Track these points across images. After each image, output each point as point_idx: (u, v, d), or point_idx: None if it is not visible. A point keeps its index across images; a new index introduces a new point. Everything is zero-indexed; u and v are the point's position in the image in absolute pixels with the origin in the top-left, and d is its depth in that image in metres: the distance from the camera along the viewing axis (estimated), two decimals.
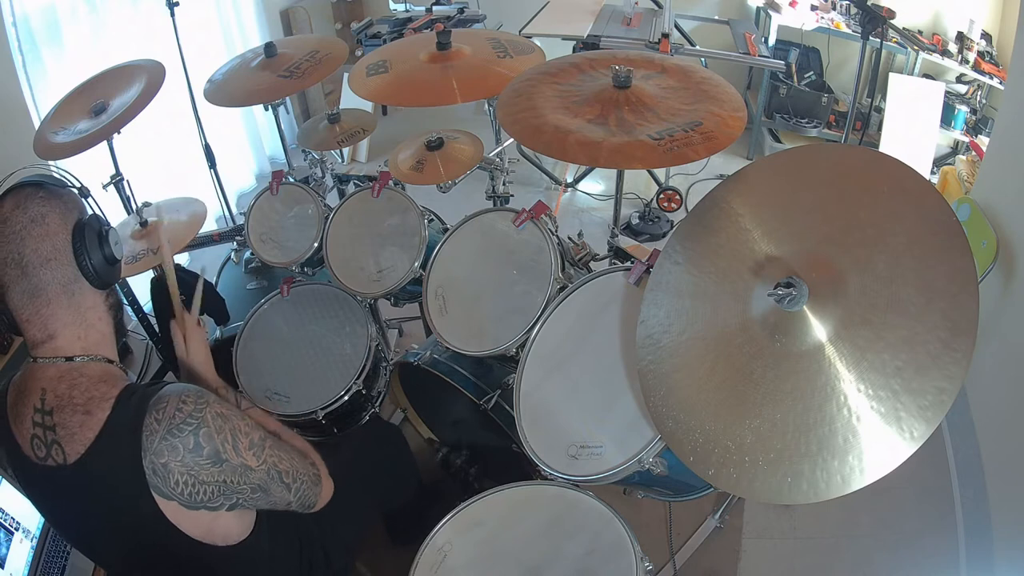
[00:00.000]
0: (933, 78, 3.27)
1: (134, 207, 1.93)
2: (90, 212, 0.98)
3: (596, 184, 3.46)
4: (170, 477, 0.86)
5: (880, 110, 3.29)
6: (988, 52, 3.19)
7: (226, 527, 0.99)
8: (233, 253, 2.55)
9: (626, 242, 1.63)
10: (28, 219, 0.88)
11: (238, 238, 2.42)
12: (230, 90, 1.96)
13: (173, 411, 0.87)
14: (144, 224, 1.81)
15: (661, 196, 3.17)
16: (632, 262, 1.35)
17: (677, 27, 3.19)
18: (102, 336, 0.95)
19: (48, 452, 0.87)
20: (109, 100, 1.78)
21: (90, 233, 0.92)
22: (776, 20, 3.34)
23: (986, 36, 3.24)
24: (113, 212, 1.95)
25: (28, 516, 1.39)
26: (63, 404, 0.87)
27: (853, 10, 3.32)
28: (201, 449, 0.88)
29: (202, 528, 0.94)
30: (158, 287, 2.10)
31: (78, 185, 1.00)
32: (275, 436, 1.04)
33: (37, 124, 2.01)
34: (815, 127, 3.46)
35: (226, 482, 0.91)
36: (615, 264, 1.56)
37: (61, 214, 0.91)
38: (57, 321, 0.90)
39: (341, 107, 2.17)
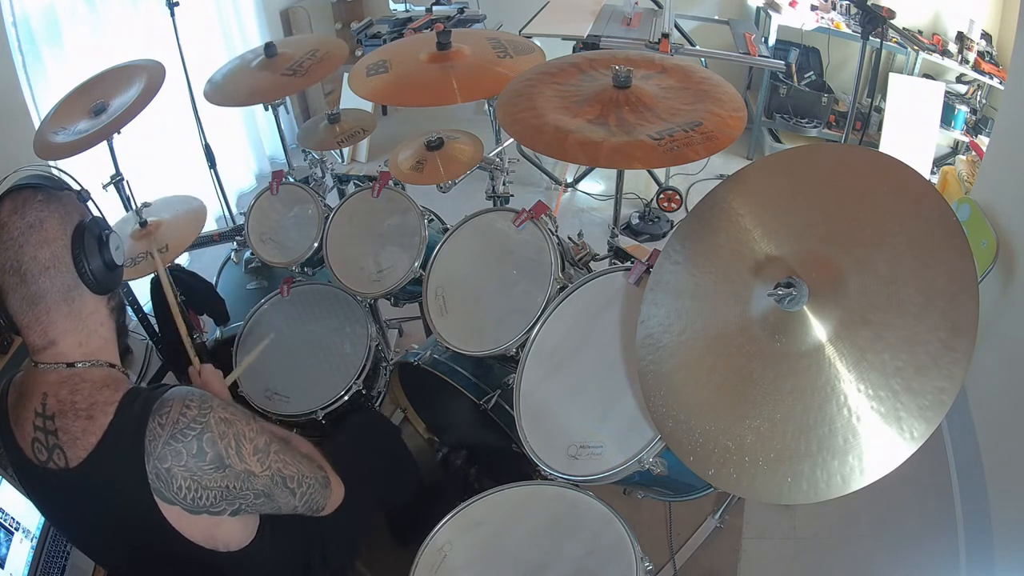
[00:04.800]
0: (933, 78, 3.27)
1: (134, 207, 1.93)
2: (91, 215, 0.96)
3: (596, 184, 3.46)
4: (173, 482, 0.86)
5: (880, 110, 3.29)
6: (988, 52, 3.19)
7: (227, 534, 0.98)
8: (233, 253, 2.55)
9: (626, 242, 1.63)
10: (26, 225, 0.86)
11: (238, 238, 2.42)
12: (231, 90, 1.96)
13: (177, 416, 0.87)
14: (144, 224, 1.81)
15: (661, 196, 3.17)
16: (632, 262, 1.35)
17: (677, 27, 3.19)
18: (104, 341, 0.94)
19: (49, 456, 0.87)
20: (109, 100, 1.78)
21: (89, 238, 0.90)
22: (776, 20, 3.34)
23: (986, 36, 3.24)
24: (113, 213, 1.96)
25: (28, 516, 1.39)
26: (65, 409, 0.87)
27: (853, 10, 3.32)
28: (204, 454, 0.87)
29: (204, 533, 0.94)
30: (158, 287, 2.10)
31: (78, 188, 0.98)
32: (282, 441, 1.03)
33: (37, 124, 2.01)
34: (815, 127, 3.46)
35: (229, 488, 0.90)
36: (615, 264, 1.57)
37: (60, 218, 0.88)
38: (57, 328, 0.89)
39: (341, 107, 2.17)
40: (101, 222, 0.95)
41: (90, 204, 0.98)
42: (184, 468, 0.86)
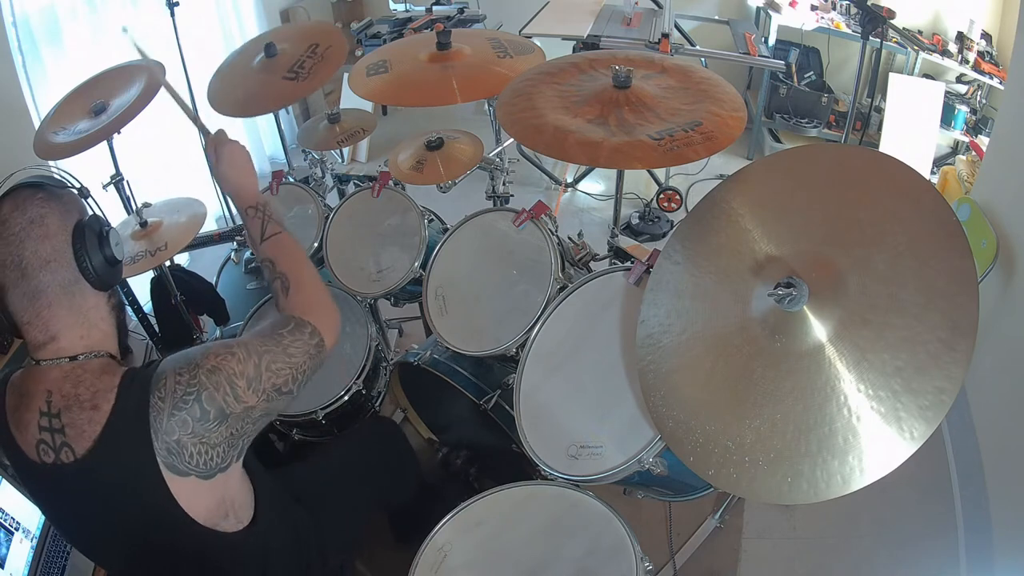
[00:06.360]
0: (933, 78, 3.27)
1: (134, 207, 1.93)
2: (90, 213, 0.97)
3: (596, 184, 3.46)
4: (184, 452, 0.87)
5: (880, 110, 3.29)
6: (988, 52, 3.19)
7: (234, 490, 0.98)
8: (233, 253, 2.55)
9: (626, 242, 1.63)
10: (27, 220, 0.87)
11: (238, 238, 2.42)
12: (235, 99, 1.95)
13: (173, 385, 0.87)
14: (144, 224, 1.81)
15: (661, 196, 3.17)
16: (632, 262, 1.35)
17: (677, 27, 3.19)
18: (104, 335, 0.95)
19: (57, 456, 0.87)
20: (109, 100, 1.78)
21: (90, 234, 0.91)
22: (776, 20, 3.34)
23: (986, 36, 3.24)
24: (113, 213, 1.96)
25: (28, 516, 1.39)
26: (70, 404, 0.87)
27: (853, 10, 3.32)
28: (208, 413, 0.87)
29: (216, 498, 0.94)
30: (158, 287, 2.10)
31: (78, 186, 0.99)
32: (268, 339, 0.97)
33: (37, 124, 2.01)
34: (815, 127, 3.46)
35: (233, 433, 0.91)
36: (615, 264, 1.57)
37: (60, 215, 0.90)
38: (59, 322, 0.90)
39: (341, 107, 2.17)
40: (101, 219, 0.96)
41: (89, 203, 0.99)
42: (192, 435, 0.87)
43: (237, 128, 3.40)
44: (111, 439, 0.86)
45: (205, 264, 2.77)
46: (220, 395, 0.89)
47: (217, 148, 1.20)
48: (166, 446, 0.85)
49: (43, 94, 2.26)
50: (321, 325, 1.02)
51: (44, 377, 0.89)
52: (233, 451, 0.93)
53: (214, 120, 2.43)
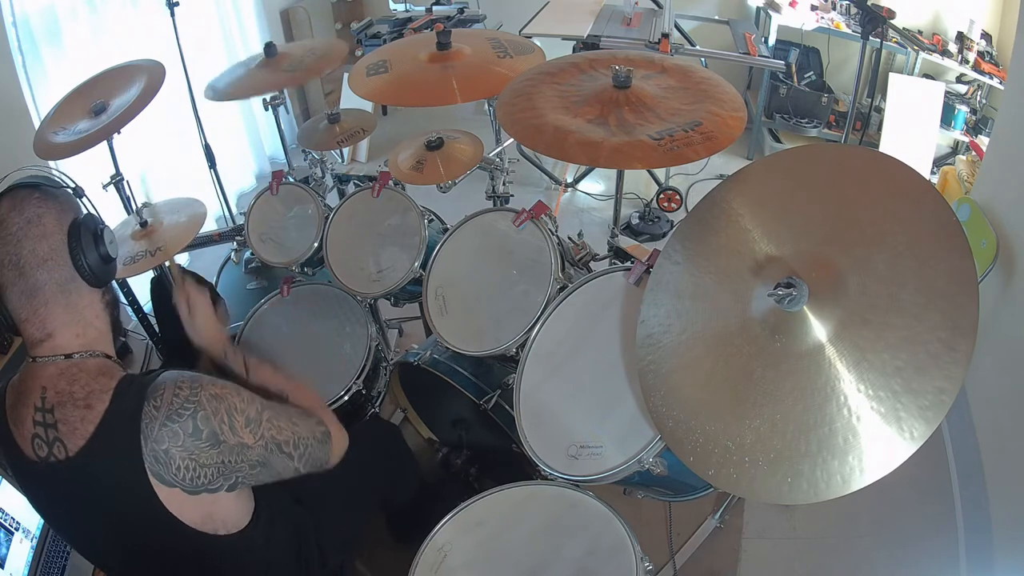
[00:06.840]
0: (933, 78, 3.27)
1: (134, 207, 1.93)
2: (85, 212, 0.98)
3: (596, 184, 3.46)
4: (171, 463, 0.87)
5: (880, 110, 3.29)
6: (988, 52, 3.19)
7: (225, 510, 0.99)
8: (233, 253, 2.55)
9: (626, 242, 1.63)
10: (24, 220, 0.89)
11: (238, 238, 2.42)
12: (230, 84, 1.96)
13: (171, 397, 0.88)
14: (144, 224, 1.81)
15: (661, 196, 3.17)
16: (632, 262, 1.35)
17: (677, 27, 3.19)
18: (99, 333, 0.96)
19: (50, 450, 0.87)
20: (109, 100, 1.78)
21: (85, 233, 0.93)
22: (776, 20, 3.34)
23: (986, 36, 3.24)
24: (113, 213, 1.96)
25: (28, 516, 1.39)
26: (64, 400, 0.88)
27: (853, 10, 3.32)
28: (200, 432, 0.88)
29: (202, 513, 0.94)
30: (158, 287, 2.10)
31: (73, 186, 1.00)
32: (277, 402, 1.02)
33: (37, 124, 2.01)
34: (815, 127, 3.46)
35: (224, 463, 0.91)
36: (615, 264, 1.56)
37: (57, 214, 0.91)
38: (55, 320, 0.91)
39: (341, 107, 2.17)
40: (96, 218, 0.98)
41: (84, 202, 1.00)
42: (182, 448, 0.87)
43: (237, 128, 3.40)
44: (103, 439, 0.87)
45: (205, 264, 2.77)
46: (216, 420, 0.90)
47: (192, 297, 1.22)
48: (154, 454, 0.86)
49: (43, 94, 2.26)
50: (333, 431, 1.08)
51: (40, 374, 0.90)
52: (224, 480, 0.93)
53: (210, 111, 2.44)
